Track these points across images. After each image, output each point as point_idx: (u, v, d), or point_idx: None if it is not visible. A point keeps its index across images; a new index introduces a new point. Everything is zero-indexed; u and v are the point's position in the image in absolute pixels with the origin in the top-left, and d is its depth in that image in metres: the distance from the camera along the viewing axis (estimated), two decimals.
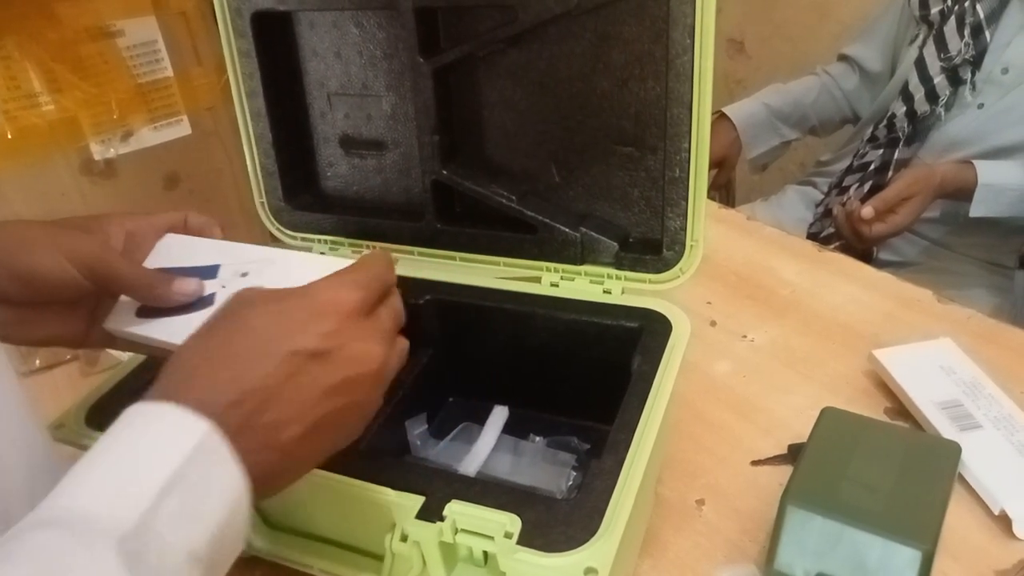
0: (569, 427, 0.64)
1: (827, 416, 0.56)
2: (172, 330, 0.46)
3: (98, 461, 0.31)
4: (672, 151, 0.56)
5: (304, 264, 0.48)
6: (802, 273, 0.89)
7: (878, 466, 0.51)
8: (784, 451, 0.65)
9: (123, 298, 0.48)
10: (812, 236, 1.27)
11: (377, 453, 0.57)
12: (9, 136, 0.76)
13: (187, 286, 0.46)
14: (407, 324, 0.64)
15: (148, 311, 0.47)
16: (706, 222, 0.57)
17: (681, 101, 0.54)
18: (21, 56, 0.75)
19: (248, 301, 0.38)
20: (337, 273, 0.40)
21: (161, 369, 0.35)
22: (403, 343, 0.43)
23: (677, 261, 0.59)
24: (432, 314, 0.64)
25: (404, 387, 0.63)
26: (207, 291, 0.47)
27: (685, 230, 0.58)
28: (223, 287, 0.47)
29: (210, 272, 0.48)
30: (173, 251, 0.50)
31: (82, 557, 0.28)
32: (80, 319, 0.48)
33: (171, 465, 0.31)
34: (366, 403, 0.39)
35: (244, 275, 0.48)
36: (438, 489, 0.45)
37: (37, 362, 0.82)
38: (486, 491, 0.45)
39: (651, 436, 0.48)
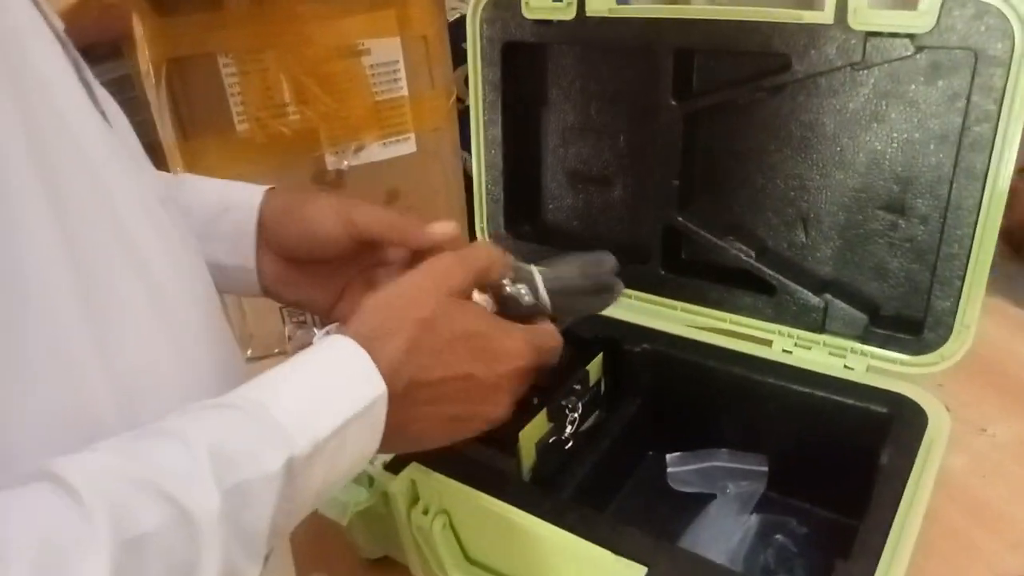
0: (783, 506, 0.59)
1: None
2: None
3: (295, 377, 0.34)
4: (953, 226, 0.50)
5: None
6: None
7: None
8: None
9: None
10: None
11: (578, 497, 0.55)
12: (257, 142, 0.81)
13: (442, 227, 0.48)
14: (617, 371, 0.61)
15: None
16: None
17: (972, 172, 0.49)
18: (277, 69, 0.80)
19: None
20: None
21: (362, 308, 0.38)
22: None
23: (940, 345, 0.53)
24: (646, 364, 0.62)
25: (610, 435, 0.61)
26: None
27: (955, 313, 0.52)
28: None
29: None
30: None
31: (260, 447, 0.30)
32: (333, 291, 0.52)
33: (352, 411, 0.33)
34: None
35: None
36: (662, 562, 0.43)
37: (249, 352, 0.87)
38: (715, 573, 0.42)
39: (908, 545, 0.43)
